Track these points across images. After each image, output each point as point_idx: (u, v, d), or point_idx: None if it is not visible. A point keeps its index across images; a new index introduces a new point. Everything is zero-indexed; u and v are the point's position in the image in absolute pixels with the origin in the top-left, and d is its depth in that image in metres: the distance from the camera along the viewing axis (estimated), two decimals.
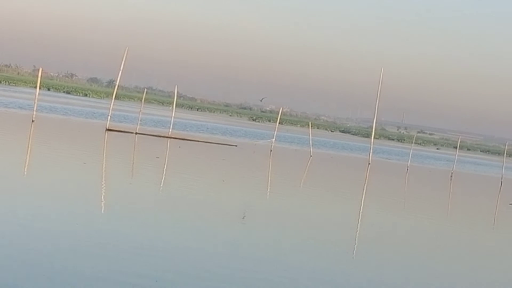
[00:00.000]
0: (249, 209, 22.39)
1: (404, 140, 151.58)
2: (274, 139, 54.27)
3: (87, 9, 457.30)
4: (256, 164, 42.79)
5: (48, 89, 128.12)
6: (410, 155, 61.02)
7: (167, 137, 49.32)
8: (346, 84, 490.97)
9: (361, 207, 27.42)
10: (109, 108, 48.79)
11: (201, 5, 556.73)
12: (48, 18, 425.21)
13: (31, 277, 11.07)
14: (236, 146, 52.77)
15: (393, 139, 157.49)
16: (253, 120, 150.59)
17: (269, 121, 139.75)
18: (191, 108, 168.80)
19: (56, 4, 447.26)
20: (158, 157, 35.13)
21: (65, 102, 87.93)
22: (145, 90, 61.16)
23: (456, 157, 61.64)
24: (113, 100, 49.46)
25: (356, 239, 19.68)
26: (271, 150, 51.15)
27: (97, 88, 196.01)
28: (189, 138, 51.75)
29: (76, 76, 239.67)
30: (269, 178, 34.11)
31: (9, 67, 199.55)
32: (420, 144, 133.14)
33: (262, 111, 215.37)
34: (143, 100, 55.08)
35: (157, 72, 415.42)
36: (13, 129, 42.19)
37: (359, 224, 22.72)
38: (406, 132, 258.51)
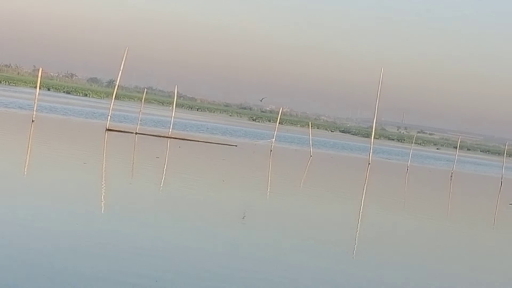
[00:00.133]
0: (249, 209, 22.39)
1: (404, 140, 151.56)
2: (274, 139, 54.26)
3: (87, 9, 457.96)
4: (256, 164, 42.77)
5: (48, 89, 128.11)
6: (410, 155, 61.02)
7: (167, 137, 49.31)
8: (346, 84, 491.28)
9: (361, 207, 27.42)
10: (109, 108, 48.79)
11: (201, 5, 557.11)
12: (48, 18, 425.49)
13: (31, 277, 11.06)
14: (236, 146, 52.76)
15: (393, 139, 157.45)
16: (253, 120, 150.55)
17: (269, 121, 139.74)
18: (191, 108, 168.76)
19: (56, 4, 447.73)
20: (158, 157, 35.13)
21: (65, 102, 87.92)
22: (145, 90, 61.16)
23: (456, 157, 61.65)
24: (113, 100, 49.45)
25: (356, 239, 19.67)
26: (271, 150, 51.15)
27: (97, 88, 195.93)
28: (189, 138, 51.75)
29: (76, 76, 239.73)
30: (269, 178, 34.11)
31: (9, 67, 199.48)
32: (420, 144, 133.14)
33: (262, 111, 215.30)
34: (143, 100, 55.08)
35: (157, 72, 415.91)
36: (13, 129, 42.18)
37: (359, 224, 22.71)
38: (406, 132, 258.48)
